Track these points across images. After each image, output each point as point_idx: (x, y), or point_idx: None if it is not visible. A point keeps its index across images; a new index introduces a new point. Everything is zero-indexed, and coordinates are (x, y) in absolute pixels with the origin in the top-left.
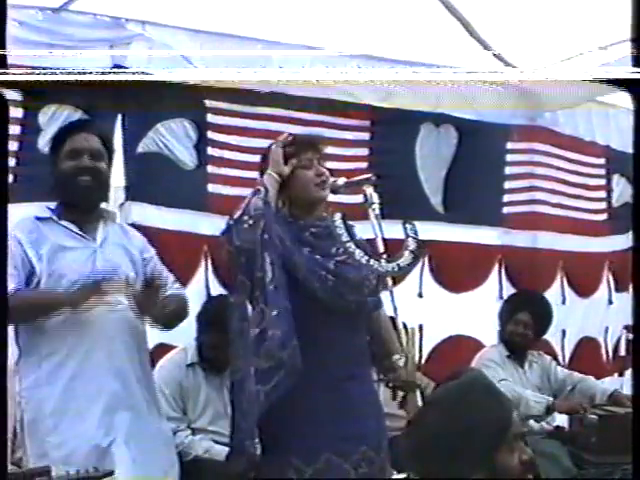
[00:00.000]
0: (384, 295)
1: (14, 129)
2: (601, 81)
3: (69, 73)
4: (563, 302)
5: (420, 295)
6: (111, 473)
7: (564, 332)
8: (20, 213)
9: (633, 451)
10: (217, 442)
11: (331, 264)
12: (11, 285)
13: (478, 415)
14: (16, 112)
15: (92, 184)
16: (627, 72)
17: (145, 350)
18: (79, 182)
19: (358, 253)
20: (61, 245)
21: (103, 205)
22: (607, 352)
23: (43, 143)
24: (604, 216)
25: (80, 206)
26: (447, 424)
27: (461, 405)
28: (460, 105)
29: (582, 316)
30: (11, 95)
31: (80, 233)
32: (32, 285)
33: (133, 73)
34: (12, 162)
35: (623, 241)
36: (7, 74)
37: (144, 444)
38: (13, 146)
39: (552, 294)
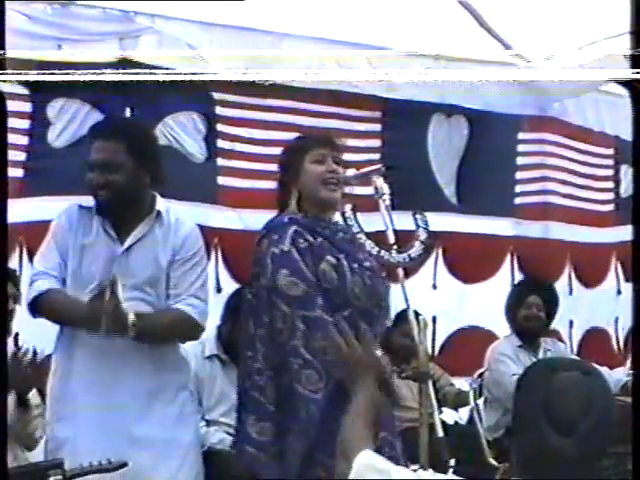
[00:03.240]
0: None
1: (23, 123)
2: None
3: (73, 68)
4: (570, 293)
5: (434, 287)
6: (124, 465)
7: (571, 323)
8: (31, 207)
9: (633, 451)
10: (231, 434)
11: (366, 277)
12: (49, 281)
13: None
14: (25, 106)
15: (110, 196)
16: (627, 72)
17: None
18: (99, 195)
19: (369, 244)
20: (88, 242)
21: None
22: (618, 342)
23: (52, 136)
24: (612, 206)
25: (113, 207)
26: None
27: None
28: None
29: (590, 306)
30: (20, 89)
31: (111, 233)
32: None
33: (139, 67)
34: (22, 156)
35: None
36: (7, 74)
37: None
38: (23, 140)
39: (560, 285)
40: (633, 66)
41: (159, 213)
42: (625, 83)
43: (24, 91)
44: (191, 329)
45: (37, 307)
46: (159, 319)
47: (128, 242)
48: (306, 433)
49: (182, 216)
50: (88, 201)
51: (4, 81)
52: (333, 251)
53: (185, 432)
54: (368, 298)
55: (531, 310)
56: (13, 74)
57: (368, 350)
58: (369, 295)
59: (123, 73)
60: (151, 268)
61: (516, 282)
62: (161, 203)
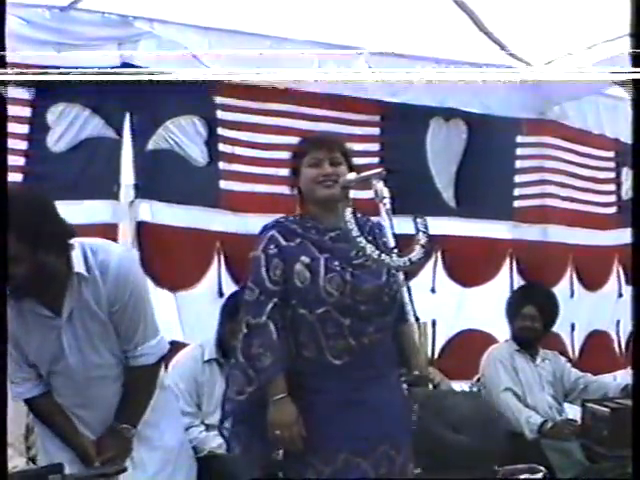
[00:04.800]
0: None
1: (22, 128)
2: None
3: (72, 72)
4: (572, 296)
5: (433, 290)
6: (124, 469)
7: (573, 326)
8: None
9: (633, 451)
10: None
11: (348, 274)
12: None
13: None
14: (24, 111)
15: (23, 284)
16: (627, 72)
17: None
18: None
19: (369, 248)
20: (27, 330)
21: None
22: (619, 345)
23: (52, 141)
24: (613, 209)
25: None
26: None
27: None
28: (469, 99)
29: (591, 309)
30: (19, 94)
31: (44, 312)
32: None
33: (139, 70)
34: (21, 161)
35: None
36: (7, 74)
37: None
38: (22, 145)
39: (561, 288)
40: (634, 66)
41: (78, 274)
42: (625, 84)
43: (24, 96)
44: (157, 369)
45: (30, 407)
46: (136, 401)
47: (65, 312)
48: (237, 436)
49: (101, 249)
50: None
51: (3, 81)
52: (312, 251)
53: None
54: (349, 294)
55: (525, 322)
56: (13, 74)
57: None
58: (352, 291)
59: (124, 73)
60: (96, 326)
61: (515, 288)
62: (75, 259)
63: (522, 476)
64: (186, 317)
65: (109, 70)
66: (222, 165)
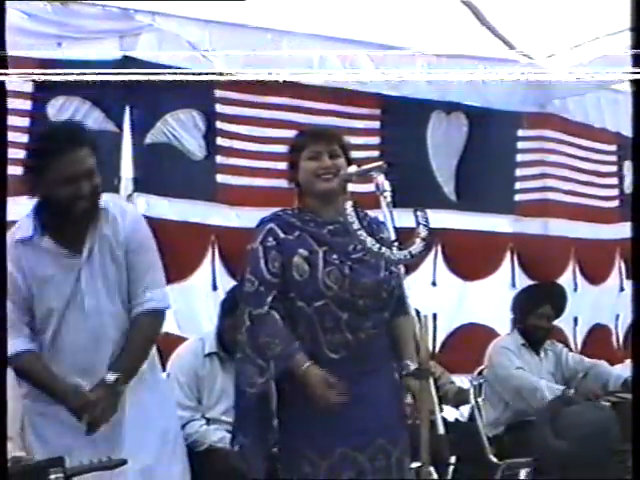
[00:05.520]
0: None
1: (23, 121)
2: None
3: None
4: (575, 289)
5: (434, 284)
6: (124, 462)
7: (576, 320)
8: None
9: (633, 451)
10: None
11: (346, 268)
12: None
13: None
14: (25, 104)
15: (89, 205)
16: (627, 72)
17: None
18: (77, 207)
19: (370, 241)
20: (43, 275)
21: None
22: (617, 339)
23: None
24: (615, 203)
25: (66, 222)
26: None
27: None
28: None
29: (594, 303)
30: (20, 87)
31: (63, 252)
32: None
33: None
34: (22, 154)
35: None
36: (7, 74)
37: None
38: (23, 138)
39: (564, 281)
40: (634, 64)
41: (105, 210)
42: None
43: (24, 89)
44: (161, 320)
45: (13, 367)
46: (134, 351)
47: (86, 250)
48: (244, 428)
49: (123, 204)
50: (22, 228)
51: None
52: (310, 244)
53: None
54: (348, 288)
55: (541, 321)
56: (14, 74)
57: None
58: (350, 285)
59: (125, 73)
60: (113, 268)
61: (526, 287)
62: (103, 198)
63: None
64: (180, 309)
65: (110, 70)
66: (220, 159)
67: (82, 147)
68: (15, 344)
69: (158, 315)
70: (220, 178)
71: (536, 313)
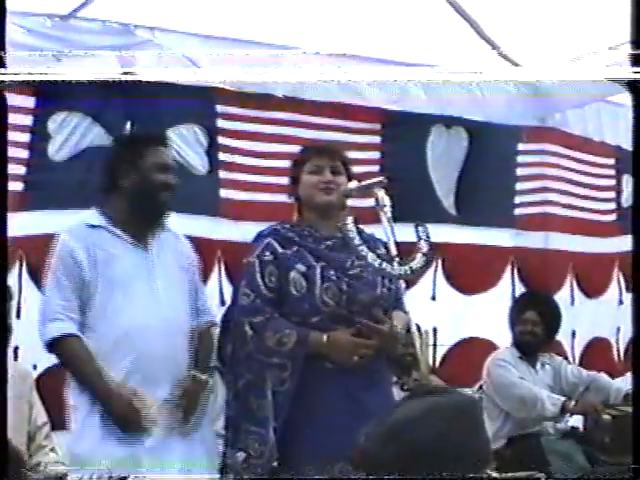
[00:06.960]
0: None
1: (23, 136)
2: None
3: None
4: (572, 303)
5: (433, 298)
6: (124, 479)
7: (574, 333)
8: (31, 220)
9: (634, 451)
10: None
11: (344, 284)
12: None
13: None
14: (26, 119)
15: (168, 198)
16: (627, 72)
17: None
18: (163, 196)
19: (371, 257)
20: (114, 253)
21: None
22: (618, 352)
23: (53, 150)
24: (613, 216)
25: (144, 217)
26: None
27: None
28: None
29: (592, 317)
30: (21, 102)
31: (133, 242)
32: (83, 293)
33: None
34: (22, 170)
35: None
36: (7, 74)
37: None
38: (23, 153)
39: (562, 295)
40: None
41: (164, 222)
42: (626, 84)
43: (25, 104)
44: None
45: (56, 348)
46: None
47: (153, 247)
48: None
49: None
50: (92, 217)
51: (3, 81)
52: (308, 259)
53: None
54: (345, 305)
55: (526, 326)
56: (13, 74)
57: None
58: (347, 302)
59: (126, 79)
60: (179, 271)
61: (514, 298)
62: None
63: None
64: None
65: (111, 78)
66: (222, 174)
67: (170, 147)
68: (61, 327)
69: (213, 324)
70: (223, 193)
71: (521, 319)
